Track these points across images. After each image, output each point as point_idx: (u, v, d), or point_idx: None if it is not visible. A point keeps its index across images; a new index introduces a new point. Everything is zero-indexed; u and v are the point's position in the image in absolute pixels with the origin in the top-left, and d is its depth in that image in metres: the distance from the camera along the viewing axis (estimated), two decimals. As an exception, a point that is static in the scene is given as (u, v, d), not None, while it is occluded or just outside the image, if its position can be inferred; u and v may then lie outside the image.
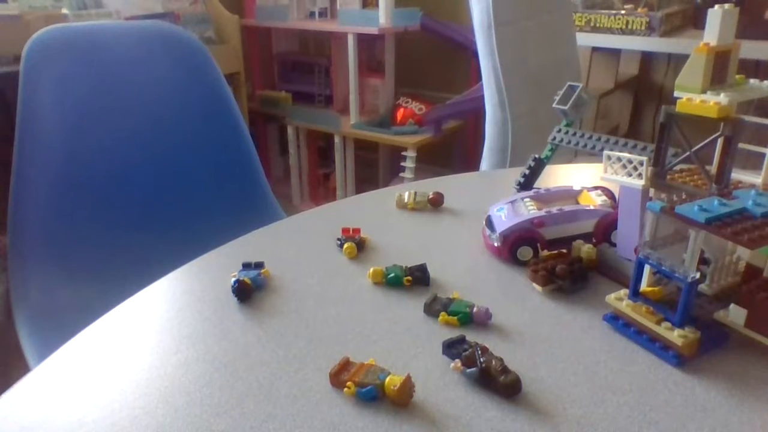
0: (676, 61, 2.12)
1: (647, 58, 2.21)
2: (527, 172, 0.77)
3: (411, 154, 2.19)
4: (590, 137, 0.70)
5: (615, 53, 2.09)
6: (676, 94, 0.54)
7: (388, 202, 0.84)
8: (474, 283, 0.62)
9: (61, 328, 0.94)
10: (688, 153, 0.55)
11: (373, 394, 0.45)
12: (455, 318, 0.54)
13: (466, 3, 1.36)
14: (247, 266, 0.64)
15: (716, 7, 0.52)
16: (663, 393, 0.46)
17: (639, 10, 1.87)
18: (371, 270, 0.62)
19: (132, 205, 1.18)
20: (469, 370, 0.46)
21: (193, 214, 1.24)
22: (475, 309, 0.55)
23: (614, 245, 0.63)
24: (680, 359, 0.48)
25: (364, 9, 2.35)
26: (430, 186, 0.87)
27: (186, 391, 0.47)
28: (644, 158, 0.55)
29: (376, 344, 0.52)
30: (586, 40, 1.87)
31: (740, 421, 0.43)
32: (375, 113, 2.49)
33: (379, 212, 0.81)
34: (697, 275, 0.47)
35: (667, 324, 0.49)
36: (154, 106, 1.23)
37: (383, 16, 2.20)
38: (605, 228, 0.64)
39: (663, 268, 0.49)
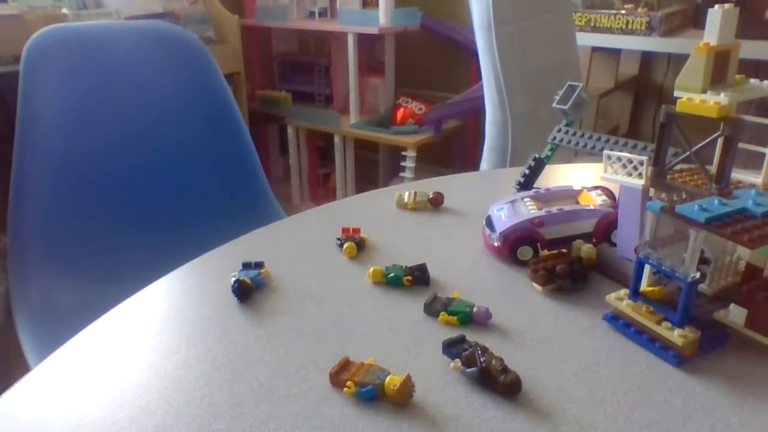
0: (676, 61, 2.12)
1: (647, 58, 2.21)
2: (527, 172, 0.77)
3: (411, 153, 2.19)
4: (590, 137, 0.70)
5: (615, 53, 2.08)
6: (676, 93, 0.54)
7: (388, 202, 0.84)
8: (474, 283, 0.62)
9: (61, 328, 0.93)
10: (688, 153, 0.55)
11: (373, 394, 0.45)
12: (455, 318, 0.54)
13: (466, 3, 1.36)
14: (247, 266, 0.64)
15: (716, 7, 0.52)
16: (663, 393, 0.46)
17: (639, 10, 1.87)
18: (371, 270, 0.62)
19: (132, 205, 1.18)
20: (469, 370, 0.46)
21: (193, 214, 1.24)
22: (475, 309, 0.55)
23: (614, 245, 0.63)
24: (680, 359, 0.48)
25: (364, 9, 2.35)
26: (430, 186, 0.87)
27: (186, 391, 0.47)
28: (644, 158, 0.55)
29: (376, 344, 0.52)
30: (586, 39, 1.87)
31: (740, 421, 0.43)
32: (375, 113, 2.49)
33: (379, 212, 0.81)
34: (697, 275, 0.47)
35: (667, 324, 0.49)
36: (153, 106, 1.23)
37: (383, 16, 2.19)
38: (605, 228, 0.64)
39: (663, 268, 0.49)
